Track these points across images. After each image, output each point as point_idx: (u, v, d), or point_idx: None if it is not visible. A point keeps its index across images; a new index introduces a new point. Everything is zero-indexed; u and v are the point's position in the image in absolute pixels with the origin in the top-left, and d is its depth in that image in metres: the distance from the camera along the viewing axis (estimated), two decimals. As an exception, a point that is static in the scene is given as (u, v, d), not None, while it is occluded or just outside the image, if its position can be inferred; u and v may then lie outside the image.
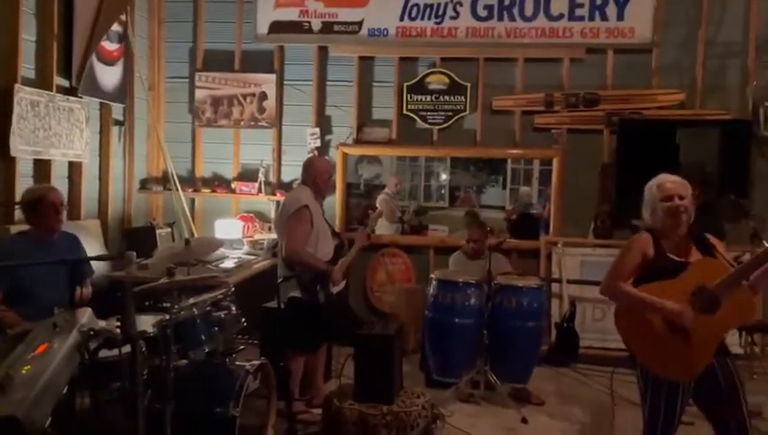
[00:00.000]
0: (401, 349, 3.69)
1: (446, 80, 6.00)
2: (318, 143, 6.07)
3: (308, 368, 4.12)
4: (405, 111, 6.05)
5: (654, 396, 2.51)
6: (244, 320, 3.39)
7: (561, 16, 5.78)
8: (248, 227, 5.84)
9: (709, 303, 2.44)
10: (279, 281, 3.83)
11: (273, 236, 5.50)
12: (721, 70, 5.67)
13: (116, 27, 5.35)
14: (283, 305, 3.85)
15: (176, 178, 5.97)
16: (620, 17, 5.69)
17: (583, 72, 5.84)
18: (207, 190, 6.17)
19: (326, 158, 5.67)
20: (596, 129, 5.82)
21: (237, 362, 3.12)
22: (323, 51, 6.15)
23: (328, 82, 6.17)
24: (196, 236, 5.77)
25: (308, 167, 4.15)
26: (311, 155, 5.77)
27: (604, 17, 5.72)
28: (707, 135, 5.30)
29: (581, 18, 5.76)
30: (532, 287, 4.47)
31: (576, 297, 5.47)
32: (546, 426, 4.02)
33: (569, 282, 5.58)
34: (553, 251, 5.76)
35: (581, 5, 5.74)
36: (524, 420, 4.01)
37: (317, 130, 6.10)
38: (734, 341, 4.60)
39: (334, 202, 6.05)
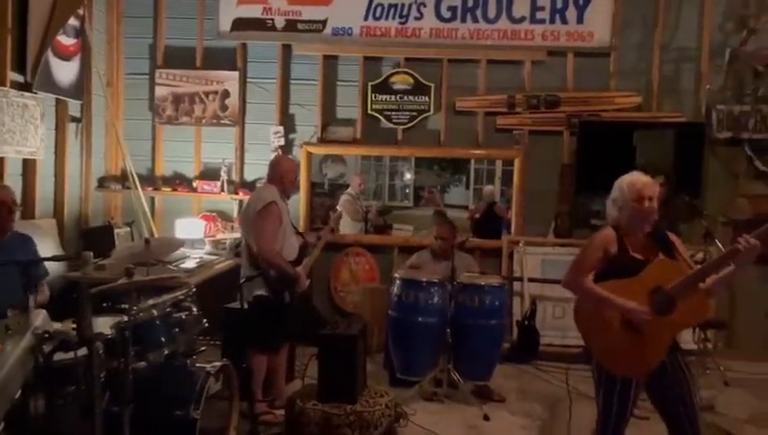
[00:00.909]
0: (365, 348, 3.70)
1: (411, 80, 6.03)
2: (282, 142, 6.03)
3: (270, 369, 4.09)
4: (369, 111, 6.05)
5: (608, 391, 2.58)
6: (205, 321, 3.34)
7: (522, 19, 5.86)
8: (210, 227, 5.76)
9: (665, 304, 2.51)
10: (242, 281, 3.80)
11: (236, 235, 5.45)
12: (676, 74, 5.84)
13: (73, 21, 5.21)
14: (247, 304, 3.82)
15: (135, 176, 5.85)
16: (580, 21, 5.81)
17: (544, 75, 5.94)
18: (168, 189, 6.06)
19: (292, 157, 5.64)
20: (557, 130, 5.93)
21: (198, 364, 3.08)
22: (287, 49, 6.11)
23: (292, 81, 6.13)
24: (156, 235, 5.66)
25: (274, 165, 4.13)
26: (275, 154, 5.73)
27: (564, 21, 5.83)
28: (663, 137, 5.46)
29: (543, 21, 5.86)
30: (495, 286, 4.53)
31: (537, 296, 5.57)
32: (507, 422, 4.08)
33: (530, 280, 5.68)
34: (515, 250, 5.84)
35: (542, 9, 5.84)
36: (486, 418, 4.06)
37: (281, 128, 6.05)
38: (687, 337, 4.76)
39: (298, 202, 6.01)
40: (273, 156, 5.39)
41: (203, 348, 3.33)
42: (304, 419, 3.22)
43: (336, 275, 6.09)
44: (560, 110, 5.90)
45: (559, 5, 5.83)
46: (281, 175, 4.03)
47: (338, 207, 6.59)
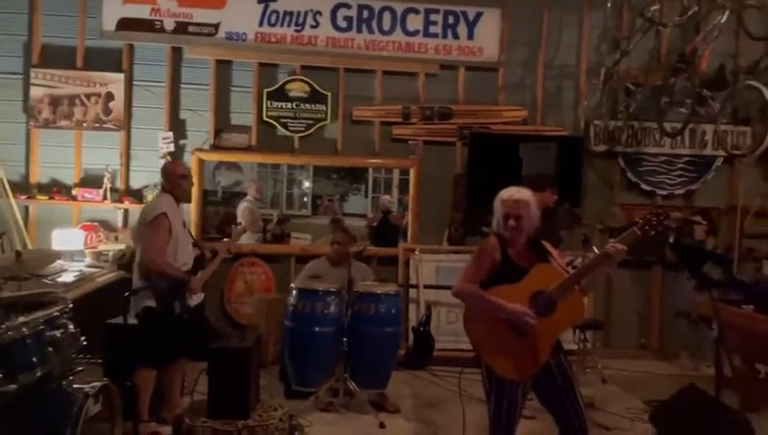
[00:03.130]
0: (258, 361, 3.61)
1: (307, 88, 6.00)
2: (171, 148, 5.80)
3: (164, 384, 3.91)
4: (265, 118, 5.96)
5: (497, 393, 2.68)
6: (84, 338, 3.13)
7: (416, 32, 6.02)
8: (91, 238, 5.40)
9: (547, 305, 2.65)
10: (126, 293, 3.60)
11: (120, 246, 5.16)
12: (558, 90, 6.22)
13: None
14: (135, 317, 3.64)
15: (6, 183, 5.41)
16: (470, 37, 6.04)
17: (438, 87, 6.12)
18: (44, 197, 5.64)
19: (181, 161, 5.42)
20: (449, 141, 6.11)
21: (75, 385, 2.87)
22: (177, 52, 5.89)
23: (182, 85, 5.92)
24: (29, 247, 5.25)
25: (166, 173, 3.99)
26: (165, 160, 5.49)
27: (456, 36, 6.04)
28: (546, 149, 5.79)
29: (435, 35, 6.04)
30: (390, 294, 4.58)
31: (432, 302, 5.69)
32: (403, 429, 4.13)
33: (425, 287, 5.79)
34: (411, 258, 5.95)
35: (435, 23, 6.02)
36: (382, 425, 4.08)
37: (170, 133, 5.82)
38: (568, 338, 5.04)
39: (189, 210, 5.78)
40: (161, 162, 5.17)
41: (80, 368, 3.11)
42: (193, 437, 3.09)
43: (230, 286, 5.92)
44: (452, 121, 6.09)
45: (451, 21, 6.03)
46: (173, 181, 3.89)
47: (239, 220, 6.41)
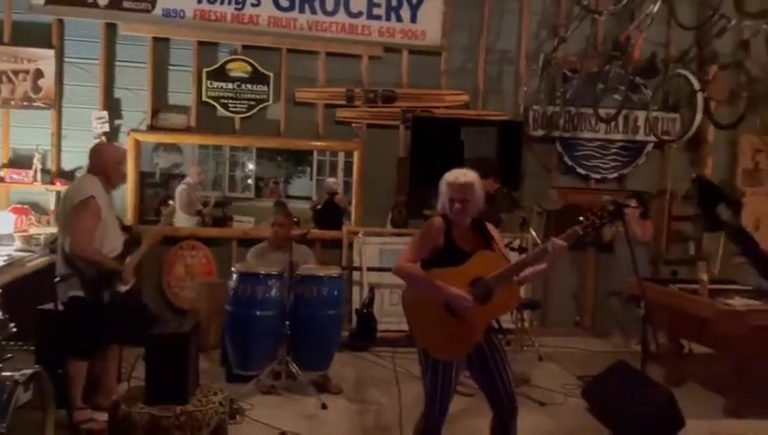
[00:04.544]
0: (198, 346, 3.56)
1: (249, 68, 5.89)
2: (106, 128, 5.61)
3: (98, 372, 3.81)
4: (205, 98, 5.82)
5: (433, 371, 2.75)
6: (13, 325, 3.02)
7: (360, 14, 5.98)
8: (21, 221, 5.18)
9: (485, 293, 2.72)
10: (56, 280, 3.48)
11: (53, 230, 4.96)
12: (498, 75, 6.31)
13: None
14: (62, 306, 3.51)
15: (-75, 163, 5.12)
16: (413, 20, 6.06)
17: (381, 70, 6.12)
18: (-31, 178, 5.37)
19: (117, 144, 5.24)
20: (393, 124, 6.13)
21: (5, 373, 2.77)
22: (111, 28, 5.68)
23: (117, 63, 5.72)
24: (-47, 231, 4.98)
25: (95, 154, 3.79)
26: (98, 141, 5.30)
27: (399, 19, 6.04)
28: (487, 134, 5.89)
29: (379, 17, 6.02)
30: (333, 276, 4.58)
31: (375, 284, 5.73)
32: (344, 409, 4.17)
33: (369, 269, 5.83)
34: (355, 240, 5.97)
35: (379, 5, 6.00)
36: (324, 407, 4.11)
37: (105, 113, 5.63)
38: (506, 317, 5.19)
39: (125, 193, 5.63)
40: (95, 143, 4.99)
41: (10, 355, 3.00)
42: (130, 423, 3.03)
43: (170, 270, 5.80)
44: (395, 105, 6.11)
45: (394, 3, 6.02)
46: (103, 165, 3.72)
47: (170, 201, 6.25)
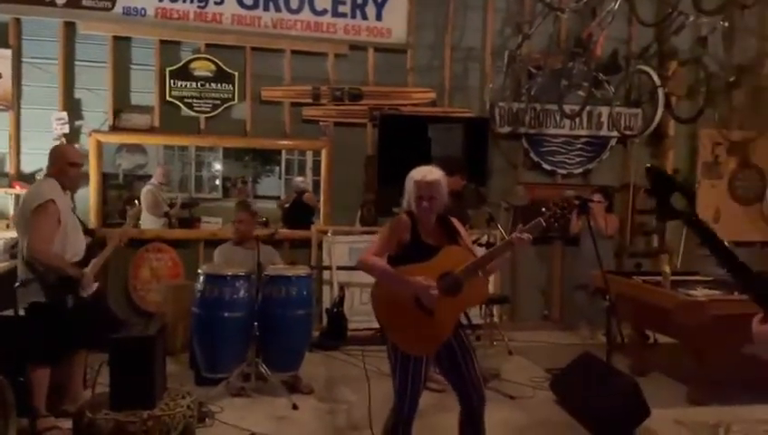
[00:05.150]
0: (165, 349, 3.51)
1: (213, 67, 5.82)
2: (66, 129, 5.48)
3: (63, 378, 3.73)
4: (168, 98, 5.73)
5: (402, 368, 2.75)
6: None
7: (324, 12, 5.96)
8: (-21, 226, 5.04)
9: (453, 286, 2.73)
10: (16, 285, 3.39)
11: (12, 234, 4.83)
12: (464, 72, 6.35)
13: None
14: (23, 312, 3.42)
15: None
16: (379, 18, 6.05)
17: (347, 68, 6.10)
18: None
19: (75, 146, 5.12)
20: (360, 122, 6.12)
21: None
22: (70, 27, 5.55)
23: (77, 62, 5.59)
24: None
25: (54, 156, 3.72)
26: (58, 142, 5.17)
27: (365, 17, 6.03)
28: (454, 130, 5.93)
29: (344, 15, 6.00)
30: (302, 276, 4.56)
31: (345, 283, 5.73)
32: (315, 409, 4.15)
33: (338, 268, 5.81)
34: (324, 239, 5.94)
35: (344, 3, 5.98)
36: (295, 407, 4.09)
37: (64, 114, 5.50)
38: (475, 313, 5.23)
39: (88, 195, 5.51)
40: (54, 144, 4.86)
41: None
42: (95, 430, 2.97)
43: (135, 273, 5.70)
44: (362, 103, 6.10)
45: (359, 1, 6.01)
46: (61, 167, 3.64)
47: (135, 202, 6.13)
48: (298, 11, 5.90)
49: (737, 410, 4.20)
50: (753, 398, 4.25)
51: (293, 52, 5.96)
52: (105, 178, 5.92)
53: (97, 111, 5.62)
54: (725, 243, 1.37)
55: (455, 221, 2.94)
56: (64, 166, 3.64)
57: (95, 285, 3.70)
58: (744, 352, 3.98)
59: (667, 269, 4.76)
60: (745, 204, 6.84)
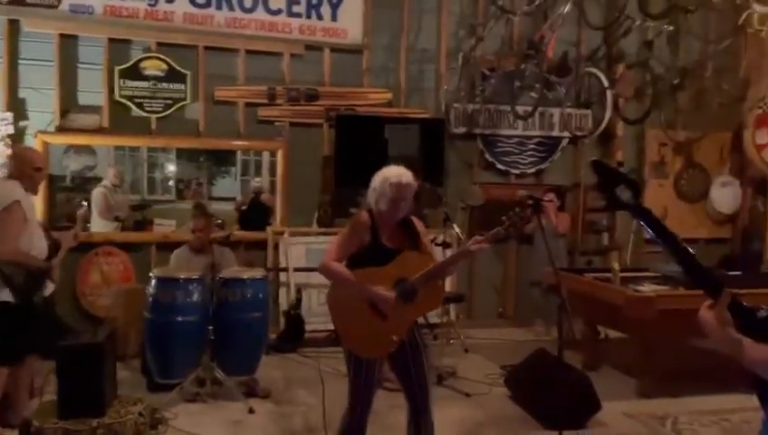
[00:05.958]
0: (115, 355, 3.43)
1: (164, 66, 5.71)
2: (11, 130, 5.30)
3: (10, 386, 3.60)
4: (118, 97, 5.60)
5: (356, 368, 2.76)
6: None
7: (279, 11, 5.91)
8: None
9: (409, 293, 2.75)
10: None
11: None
12: (420, 74, 6.40)
13: None
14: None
15: None
16: (334, 18, 6.04)
17: (303, 68, 6.07)
18: None
19: (37, 151, 4.95)
20: (316, 123, 6.10)
21: None
22: (14, 24, 5.36)
23: (21, 61, 5.41)
24: None
25: (19, 160, 3.67)
26: (15, 145, 5.00)
27: (320, 17, 6.01)
28: (410, 131, 5.96)
29: (299, 15, 5.97)
30: (257, 278, 4.52)
31: (303, 284, 5.69)
32: (272, 412, 4.11)
33: (295, 270, 5.77)
34: (280, 241, 5.89)
35: (298, 3, 5.95)
36: (251, 411, 4.04)
37: (9, 114, 5.32)
38: (433, 312, 5.25)
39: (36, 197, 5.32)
40: (15, 147, 4.71)
41: None
42: (42, 441, 2.89)
43: (84, 277, 5.55)
44: (319, 103, 6.08)
45: (314, 1, 5.98)
46: (26, 171, 3.60)
47: (83, 202, 5.96)
48: (252, 10, 5.84)
49: (684, 401, 4.35)
50: (699, 389, 4.41)
51: (248, 51, 5.90)
52: (52, 181, 5.73)
53: (43, 111, 5.45)
54: (671, 230, 1.42)
55: (416, 221, 2.93)
56: (29, 171, 3.62)
57: (53, 286, 3.62)
58: (690, 345, 4.13)
59: (617, 266, 4.89)
60: (691, 202, 7.10)
